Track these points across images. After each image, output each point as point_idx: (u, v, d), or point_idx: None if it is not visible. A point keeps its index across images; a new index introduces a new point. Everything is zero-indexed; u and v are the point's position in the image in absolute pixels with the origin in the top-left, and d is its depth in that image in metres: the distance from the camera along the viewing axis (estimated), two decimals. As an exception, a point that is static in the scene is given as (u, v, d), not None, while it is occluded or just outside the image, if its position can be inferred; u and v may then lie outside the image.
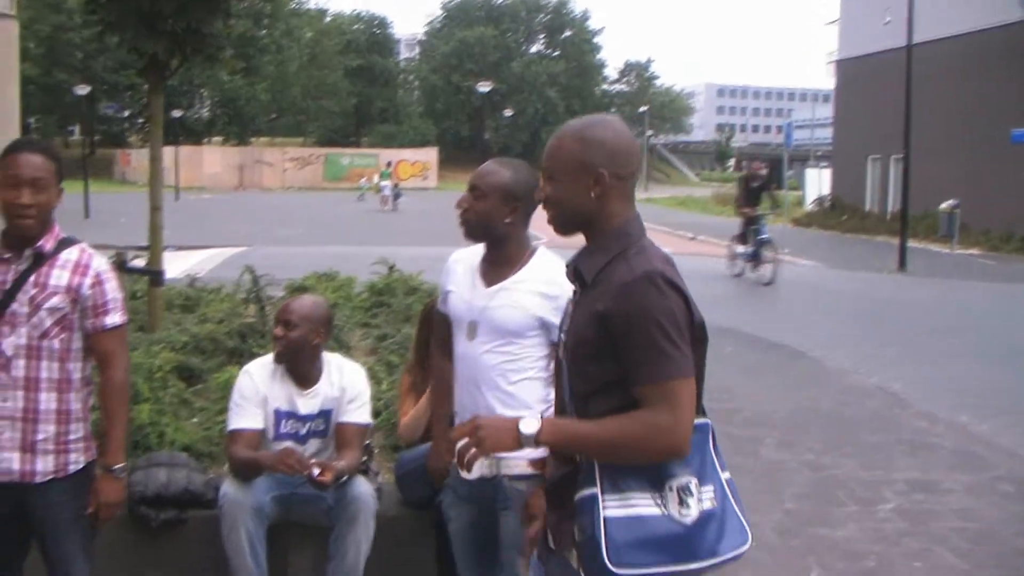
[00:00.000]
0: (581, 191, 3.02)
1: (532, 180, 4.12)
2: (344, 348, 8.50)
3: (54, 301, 3.86)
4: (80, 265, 3.91)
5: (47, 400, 3.90)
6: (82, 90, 52.19)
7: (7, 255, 3.89)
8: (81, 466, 3.99)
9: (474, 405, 4.06)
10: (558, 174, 3.06)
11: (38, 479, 3.91)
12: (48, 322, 3.85)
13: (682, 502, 2.86)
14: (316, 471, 4.77)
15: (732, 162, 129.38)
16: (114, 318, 3.96)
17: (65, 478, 3.94)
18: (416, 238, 29.96)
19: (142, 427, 6.28)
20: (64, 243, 3.93)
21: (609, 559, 2.78)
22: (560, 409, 3.22)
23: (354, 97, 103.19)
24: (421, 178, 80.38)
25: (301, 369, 5.18)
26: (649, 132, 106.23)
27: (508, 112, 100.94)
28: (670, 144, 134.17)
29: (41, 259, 3.87)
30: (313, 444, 5.21)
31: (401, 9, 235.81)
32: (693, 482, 2.89)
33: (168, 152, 68.09)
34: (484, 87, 65.76)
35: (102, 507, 3.95)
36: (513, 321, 4.09)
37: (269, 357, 5.29)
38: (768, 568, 6.18)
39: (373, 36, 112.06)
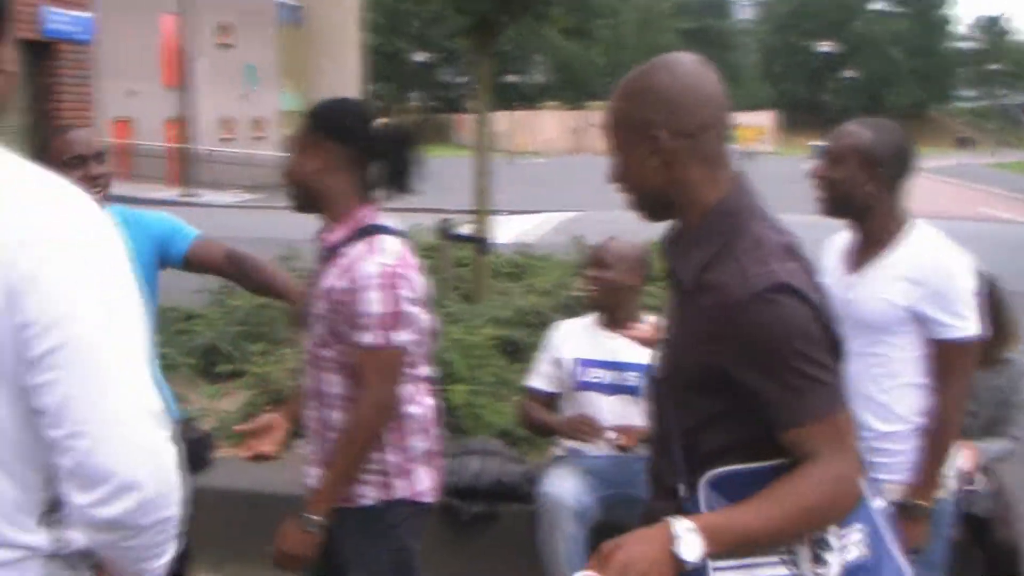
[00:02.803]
0: (640, 161, 2.32)
1: (899, 140, 3.49)
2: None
3: (320, 306, 3.28)
4: (351, 265, 3.19)
5: (336, 418, 3.33)
6: (419, 57, 53.69)
7: (319, 242, 3.40)
8: (370, 503, 3.33)
9: None
10: (613, 143, 2.38)
11: None
12: (321, 329, 3.29)
13: (817, 559, 2.19)
14: (613, 434, 4.42)
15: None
16: (367, 337, 3.16)
17: (352, 510, 3.34)
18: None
19: (456, 408, 5.94)
20: (362, 233, 3.25)
21: None
22: (657, 446, 2.51)
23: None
24: (757, 142, 78.98)
25: (615, 315, 4.73)
26: (1003, 92, 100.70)
27: (848, 73, 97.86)
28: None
29: (330, 252, 3.30)
30: (617, 401, 4.70)
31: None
32: (831, 529, 2.21)
33: (503, 117, 70.01)
34: (824, 47, 63.86)
35: (277, 552, 3.30)
36: (877, 314, 3.44)
37: (590, 315, 4.93)
38: None
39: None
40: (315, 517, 3.22)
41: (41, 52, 14.81)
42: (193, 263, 4.06)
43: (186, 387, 6.90)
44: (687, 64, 2.32)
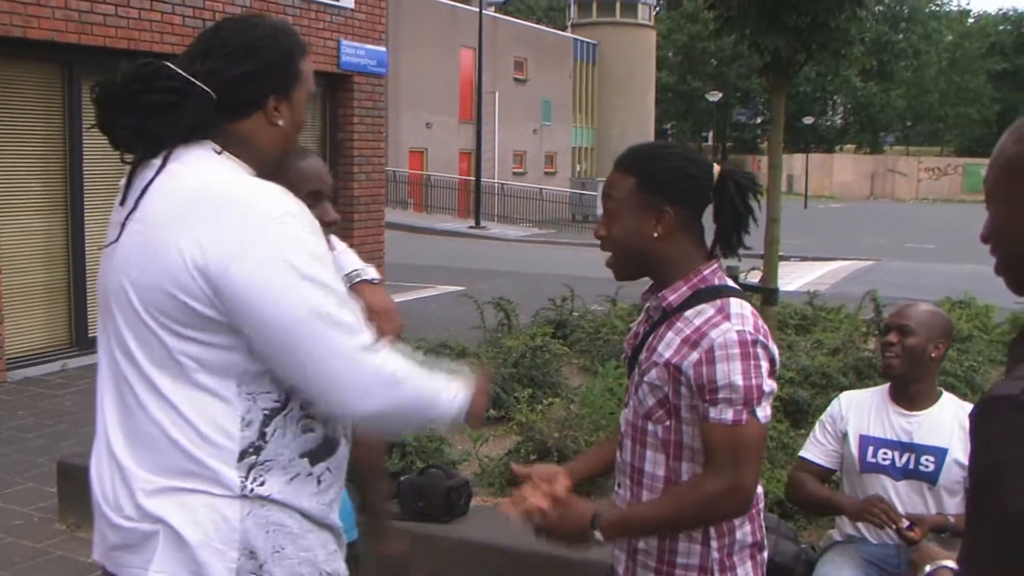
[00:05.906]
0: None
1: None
2: (977, 392, 7.23)
3: (652, 375, 2.79)
4: (696, 332, 2.73)
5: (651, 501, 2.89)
6: (714, 97, 53.28)
7: (647, 301, 2.95)
8: None
9: None
10: (1001, 193, 1.71)
11: None
12: (650, 400, 2.82)
13: None
14: (906, 523, 3.87)
15: None
16: (727, 413, 2.67)
17: None
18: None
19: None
20: (704, 295, 2.79)
21: None
22: None
23: (997, 104, 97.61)
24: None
25: (911, 388, 4.20)
26: None
27: None
28: None
29: (666, 314, 2.85)
30: (906, 487, 4.16)
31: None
32: None
33: (798, 159, 68.91)
34: None
35: (549, 520, 2.82)
36: None
37: (879, 387, 4.41)
38: None
39: (1022, 37, 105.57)
40: (599, 535, 2.76)
41: (337, 84, 15.20)
42: None
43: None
44: None
